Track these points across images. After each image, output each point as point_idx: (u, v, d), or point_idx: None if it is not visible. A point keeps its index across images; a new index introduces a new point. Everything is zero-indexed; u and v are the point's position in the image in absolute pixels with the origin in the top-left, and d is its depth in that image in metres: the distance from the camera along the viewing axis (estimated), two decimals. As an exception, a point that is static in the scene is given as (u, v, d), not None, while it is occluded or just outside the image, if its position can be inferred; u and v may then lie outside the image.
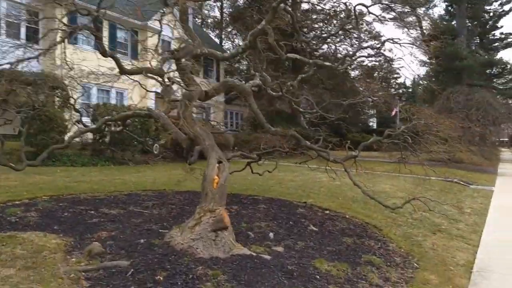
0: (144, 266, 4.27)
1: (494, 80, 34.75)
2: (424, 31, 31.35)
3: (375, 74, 34.97)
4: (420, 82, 44.68)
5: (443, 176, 16.77)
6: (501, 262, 6.16)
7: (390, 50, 51.40)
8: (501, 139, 47.25)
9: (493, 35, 37.37)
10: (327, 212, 7.93)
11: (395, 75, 43.16)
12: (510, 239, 7.62)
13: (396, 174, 13.81)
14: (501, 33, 36.74)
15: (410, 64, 49.52)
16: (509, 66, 33.43)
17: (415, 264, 5.75)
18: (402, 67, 42.77)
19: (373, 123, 44.84)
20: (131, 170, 12.85)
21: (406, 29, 39.58)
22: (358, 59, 28.26)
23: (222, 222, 4.81)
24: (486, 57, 31.41)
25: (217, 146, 5.75)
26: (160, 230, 5.49)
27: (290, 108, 7.62)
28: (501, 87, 33.92)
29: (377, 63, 36.95)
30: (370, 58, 28.18)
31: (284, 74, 29.49)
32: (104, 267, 4.36)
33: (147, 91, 8.05)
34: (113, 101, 20.53)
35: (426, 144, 6.52)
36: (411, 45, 17.54)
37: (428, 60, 39.39)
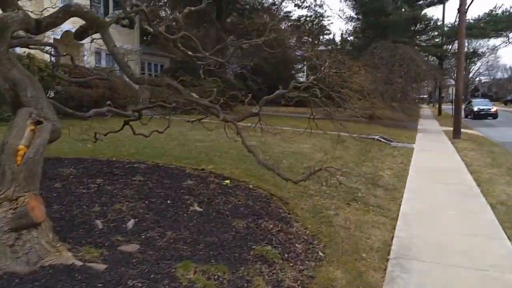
0: None
1: (418, 36, 34.98)
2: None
3: (304, 28, 33.61)
4: (348, 38, 44.15)
5: (365, 133, 16.17)
6: (422, 243, 5.13)
7: (321, 6, 50.02)
8: (421, 96, 48.97)
9: (419, -8, 37.31)
10: (226, 182, 6.46)
11: (325, 31, 42.22)
12: (430, 208, 6.73)
13: (318, 132, 12.79)
14: (426, -10, 36.76)
15: (338, 19, 48.73)
16: (432, 22, 33.69)
17: (320, 253, 4.50)
18: (331, 23, 41.63)
19: (302, 78, 43.99)
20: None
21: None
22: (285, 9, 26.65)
23: (28, 217, 3.11)
24: (411, 12, 31.18)
25: (45, 99, 3.91)
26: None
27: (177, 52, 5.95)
28: (424, 44, 34.25)
29: (307, 18, 35.56)
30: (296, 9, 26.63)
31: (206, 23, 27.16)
32: None
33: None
34: None
35: (339, 99, 5.16)
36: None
37: (355, 16, 38.84)
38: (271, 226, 4.87)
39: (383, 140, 15.03)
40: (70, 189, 5.12)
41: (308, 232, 5.05)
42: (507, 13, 32.74)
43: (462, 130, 18.49)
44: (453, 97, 29.26)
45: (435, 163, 11.41)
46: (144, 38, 28.44)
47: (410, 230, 5.66)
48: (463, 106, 27.27)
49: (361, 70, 5.69)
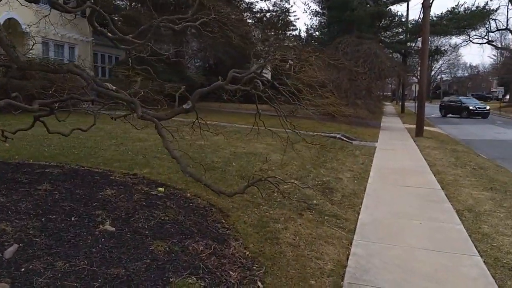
0: None
1: (382, 33, 34.89)
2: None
3: (268, 21, 32.72)
4: (313, 34, 43.75)
5: (326, 132, 15.52)
6: (382, 263, 4.36)
7: (287, 1, 49.45)
8: (385, 94, 49.34)
9: (384, -11, 37.24)
10: (159, 190, 5.50)
11: (291, 27, 41.62)
12: (392, 217, 6.01)
13: (277, 130, 11.98)
14: (391, -13, 36.73)
15: (303, 13, 48.22)
16: (397, 18, 33.66)
17: (259, 283, 3.64)
18: (298, 18, 41.36)
19: (266, 74, 43.24)
20: None
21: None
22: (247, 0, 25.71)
23: None
24: (375, 8, 30.95)
25: None
26: None
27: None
28: (388, 41, 34.20)
29: (273, 13, 34.69)
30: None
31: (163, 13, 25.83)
32: None
33: None
34: None
35: (289, 93, 4.32)
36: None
37: (320, 10, 38.43)
38: (201, 248, 3.96)
39: (344, 138, 14.43)
40: None
41: (247, 253, 4.18)
42: (469, 11, 33.13)
43: (425, 127, 18.23)
44: (416, 95, 29.24)
45: (397, 163, 10.82)
46: (99, 28, 26.86)
47: (369, 245, 4.90)
48: (426, 103, 26.98)
49: (311, 56, 4.83)
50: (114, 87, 4.25)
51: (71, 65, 4.10)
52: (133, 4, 32.75)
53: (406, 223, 5.79)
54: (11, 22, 18.16)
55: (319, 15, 38.83)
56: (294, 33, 39.84)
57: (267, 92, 4.42)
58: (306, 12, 60.00)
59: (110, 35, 4.75)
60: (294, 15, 36.55)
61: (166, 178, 6.17)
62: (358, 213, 6.13)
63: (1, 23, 17.48)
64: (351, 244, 4.91)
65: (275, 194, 6.27)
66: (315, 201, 6.36)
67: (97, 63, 25.56)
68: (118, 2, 30.33)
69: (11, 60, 3.74)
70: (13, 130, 5.54)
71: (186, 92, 5.17)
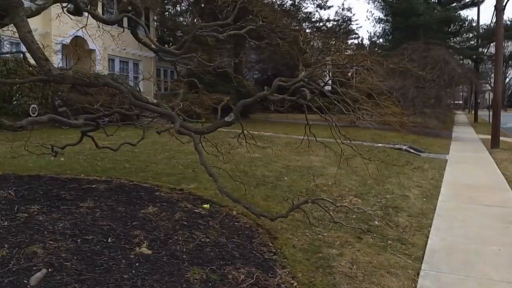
0: None
1: (451, 38, 32.80)
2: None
3: (327, 30, 32.02)
4: (377, 41, 42.28)
5: (392, 142, 14.57)
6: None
7: (349, 9, 48.51)
8: (455, 102, 46.34)
9: (452, -6, 35.07)
10: (205, 206, 5.20)
11: (353, 35, 40.55)
12: (466, 242, 5.21)
13: (332, 140, 11.31)
14: (460, -7, 34.48)
15: (365, 21, 47.22)
16: (467, 23, 31.50)
17: (306, 325, 3.14)
18: (360, 26, 40.29)
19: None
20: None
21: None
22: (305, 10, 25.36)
23: None
24: (443, 13, 29.17)
25: None
26: None
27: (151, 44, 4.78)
28: (458, 46, 32.04)
29: (334, 23, 33.94)
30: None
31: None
32: None
33: None
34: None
35: (343, 102, 3.83)
36: None
37: (384, 17, 37.06)
38: (242, 276, 3.54)
39: (412, 150, 13.41)
40: (-13, 221, 3.98)
41: (295, 284, 3.69)
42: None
43: (501, 138, 16.58)
44: (490, 103, 26.98)
45: (471, 178, 9.75)
46: (165, 45, 27.79)
47: (439, 276, 4.21)
48: (502, 112, 24.42)
49: (366, 60, 4.30)
50: (155, 101, 4.03)
51: (108, 78, 3.96)
52: (195, 20, 33.70)
53: (483, 250, 4.98)
54: (78, 40, 19.13)
55: (382, 22, 37.45)
56: (356, 41, 38.77)
57: (318, 102, 3.96)
58: (368, 19, 58.50)
59: (153, 47, 4.59)
60: (356, 24, 35.48)
61: (213, 194, 5.86)
62: (427, 237, 5.39)
63: (69, 41, 18.54)
64: (418, 275, 4.24)
65: (331, 212, 5.72)
66: (376, 222, 5.72)
67: (160, 78, 26.39)
68: (181, 19, 31.29)
69: (44, 72, 3.64)
70: (62, 145, 5.53)
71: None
